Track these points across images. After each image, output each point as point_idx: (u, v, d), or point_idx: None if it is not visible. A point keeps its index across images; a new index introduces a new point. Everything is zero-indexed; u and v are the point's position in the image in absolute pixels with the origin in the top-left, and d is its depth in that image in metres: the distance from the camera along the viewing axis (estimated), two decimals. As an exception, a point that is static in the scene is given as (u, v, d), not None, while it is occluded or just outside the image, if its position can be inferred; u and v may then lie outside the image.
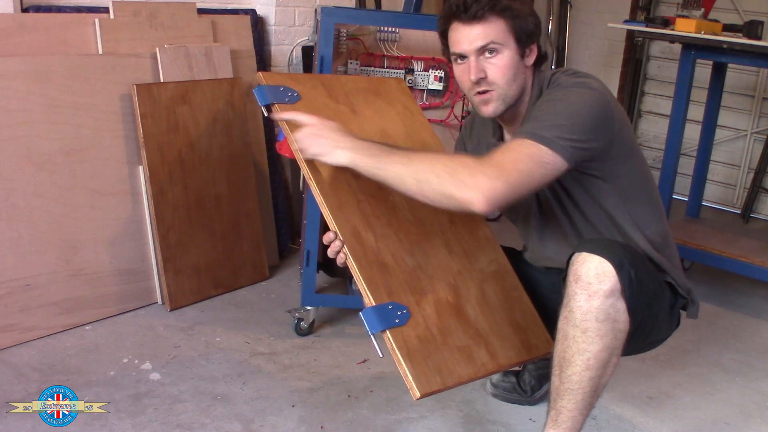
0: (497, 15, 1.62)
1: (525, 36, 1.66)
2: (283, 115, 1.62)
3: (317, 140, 1.55)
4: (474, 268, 1.74)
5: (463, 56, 1.67)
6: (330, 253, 1.56)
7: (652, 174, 1.83)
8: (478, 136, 1.92)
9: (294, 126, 1.61)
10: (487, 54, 1.64)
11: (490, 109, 1.69)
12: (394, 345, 1.46)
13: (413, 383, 1.43)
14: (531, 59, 1.70)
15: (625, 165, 1.68)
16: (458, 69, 1.70)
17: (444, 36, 1.72)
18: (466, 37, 1.64)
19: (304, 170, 1.62)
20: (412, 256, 1.63)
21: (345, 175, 1.65)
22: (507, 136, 1.81)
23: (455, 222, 1.78)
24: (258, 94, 1.69)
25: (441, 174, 1.45)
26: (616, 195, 1.70)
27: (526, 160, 1.48)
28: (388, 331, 1.46)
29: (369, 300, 1.49)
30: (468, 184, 1.42)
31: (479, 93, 1.67)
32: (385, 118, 1.88)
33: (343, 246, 1.54)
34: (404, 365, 1.44)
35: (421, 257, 1.65)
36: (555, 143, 1.50)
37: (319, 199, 1.58)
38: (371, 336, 1.46)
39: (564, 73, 1.70)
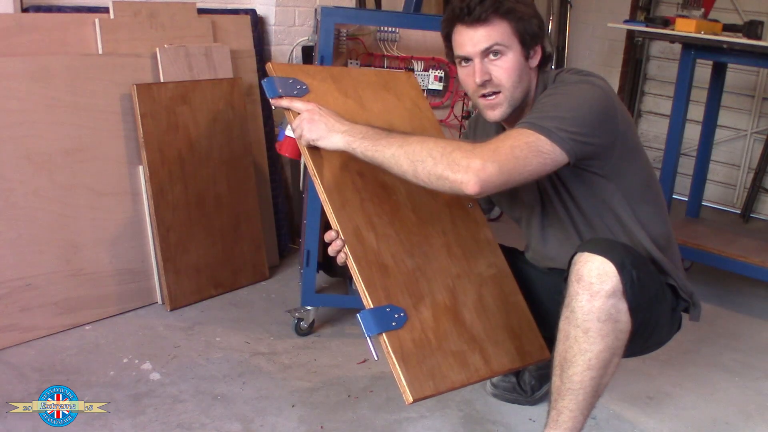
0: (501, 17, 1.62)
1: (529, 37, 1.65)
2: (281, 102, 1.66)
3: (313, 125, 1.58)
4: (473, 271, 1.73)
5: (467, 59, 1.66)
6: (331, 251, 1.56)
7: (656, 177, 1.82)
8: (482, 137, 1.92)
9: (295, 115, 1.63)
10: (491, 56, 1.64)
11: (497, 114, 1.69)
12: (389, 348, 1.46)
13: (406, 388, 1.44)
14: (535, 60, 1.70)
15: (629, 165, 1.68)
16: (462, 72, 1.69)
17: (448, 39, 1.71)
18: (470, 39, 1.63)
19: (310, 167, 1.62)
20: (411, 258, 1.63)
21: (350, 173, 1.65)
22: None
23: (457, 224, 1.78)
24: (267, 86, 1.68)
25: (436, 155, 1.46)
26: (621, 195, 1.70)
27: (523, 147, 1.48)
28: (384, 334, 1.46)
29: (367, 302, 1.50)
30: (462, 166, 1.43)
31: (484, 96, 1.67)
32: (393, 113, 1.86)
33: (344, 245, 1.54)
34: (399, 369, 1.45)
35: (420, 259, 1.64)
36: (554, 134, 1.50)
37: (322, 196, 1.58)
38: (367, 338, 1.46)
39: (568, 72, 1.69)
